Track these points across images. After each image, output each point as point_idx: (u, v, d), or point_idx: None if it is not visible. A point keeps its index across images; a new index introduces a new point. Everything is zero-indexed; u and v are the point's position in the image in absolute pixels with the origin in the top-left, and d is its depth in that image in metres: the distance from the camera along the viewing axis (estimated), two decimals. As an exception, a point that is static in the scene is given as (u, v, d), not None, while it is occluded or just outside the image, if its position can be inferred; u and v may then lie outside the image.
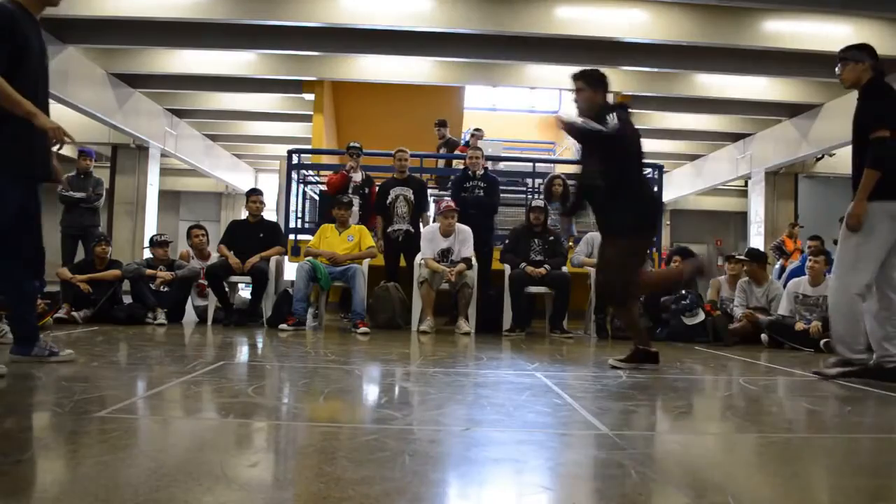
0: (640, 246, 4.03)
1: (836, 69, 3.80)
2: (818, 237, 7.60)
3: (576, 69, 4.07)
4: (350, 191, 6.89)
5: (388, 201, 6.73)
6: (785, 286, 6.18)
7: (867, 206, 3.51)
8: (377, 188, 6.96)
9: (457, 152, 9.97)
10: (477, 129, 9.94)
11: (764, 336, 5.79)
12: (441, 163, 9.78)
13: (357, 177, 7.02)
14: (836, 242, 3.76)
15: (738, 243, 19.65)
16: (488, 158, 7.62)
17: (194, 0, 8.71)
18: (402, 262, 6.64)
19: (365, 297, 6.03)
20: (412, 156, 7.15)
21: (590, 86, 3.96)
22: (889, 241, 3.54)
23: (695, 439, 2.30)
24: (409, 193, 6.73)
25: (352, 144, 7.24)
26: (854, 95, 3.77)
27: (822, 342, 5.33)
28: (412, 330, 6.11)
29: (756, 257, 6.47)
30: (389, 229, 6.68)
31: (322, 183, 8.48)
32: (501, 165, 10.22)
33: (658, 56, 9.78)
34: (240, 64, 11.12)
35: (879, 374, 3.55)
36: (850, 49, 3.77)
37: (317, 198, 9.06)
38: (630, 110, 4.09)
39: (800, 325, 5.58)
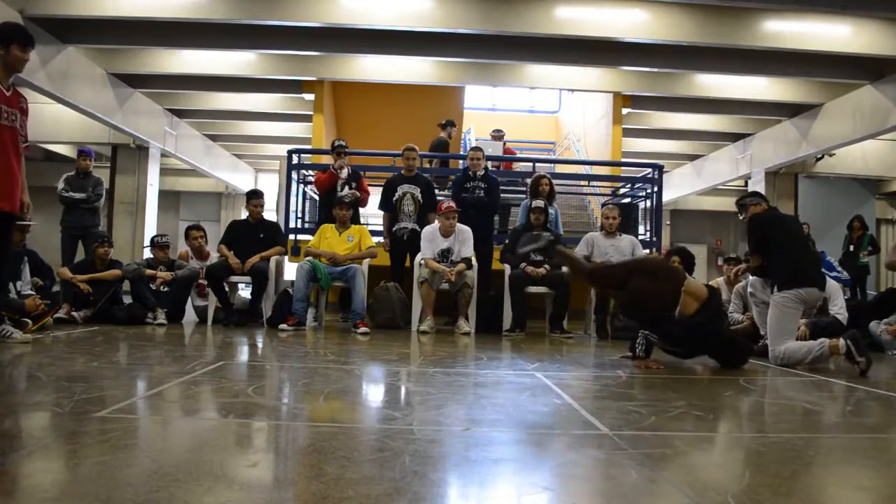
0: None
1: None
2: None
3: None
4: (339, 189, 6.79)
5: (394, 198, 6.67)
6: None
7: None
8: (385, 184, 6.89)
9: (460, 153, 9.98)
10: (497, 130, 10.00)
11: None
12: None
13: (343, 173, 6.91)
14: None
15: (739, 243, 19.64)
16: (488, 158, 7.61)
17: (194, 0, 8.72)
18: (408, 263, 6.58)
19: (365, 297, 6.02)
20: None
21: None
22: None
23: (695, 439, 2.30)
24: (417, 192, 6.67)
25: (337, 143, 7.15)
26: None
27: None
28: (412, 330, 6.11)
29: None
30: (395, 227, 6.64)
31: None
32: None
33: (658, 56, 9.78)
34: (240, 64, 11.11)
35: None
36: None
37: (317, 198, 9.04)
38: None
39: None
